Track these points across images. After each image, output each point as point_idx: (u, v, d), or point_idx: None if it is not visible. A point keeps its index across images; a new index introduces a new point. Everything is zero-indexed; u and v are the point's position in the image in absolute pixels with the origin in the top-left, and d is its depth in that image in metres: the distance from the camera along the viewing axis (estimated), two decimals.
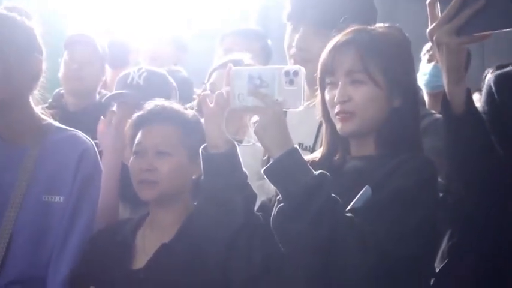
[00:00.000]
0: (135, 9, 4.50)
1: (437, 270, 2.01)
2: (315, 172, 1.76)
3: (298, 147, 1.78)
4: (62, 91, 3.67)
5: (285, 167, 1.75)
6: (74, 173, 2.17)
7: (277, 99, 1.77)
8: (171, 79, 2.80)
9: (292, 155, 1.76)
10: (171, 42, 4.13)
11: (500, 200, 1.78)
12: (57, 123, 2.27)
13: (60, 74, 3.59)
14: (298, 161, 1.76)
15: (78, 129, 2.35)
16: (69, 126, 2.31)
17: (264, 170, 1.78)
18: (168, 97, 2.46)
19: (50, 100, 3.62)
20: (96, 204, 2.24)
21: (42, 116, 2.26)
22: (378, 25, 2.01)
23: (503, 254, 1.86)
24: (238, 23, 4.33)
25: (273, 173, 1.76)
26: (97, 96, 3.56)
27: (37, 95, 2.24)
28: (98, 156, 2.27)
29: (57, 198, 2.16)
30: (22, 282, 2.13)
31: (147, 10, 4.41)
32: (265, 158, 1.80)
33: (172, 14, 4.62)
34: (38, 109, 2.26)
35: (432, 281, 1.96)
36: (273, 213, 1.78)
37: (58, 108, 3.49)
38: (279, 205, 1.76)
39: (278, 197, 1.78)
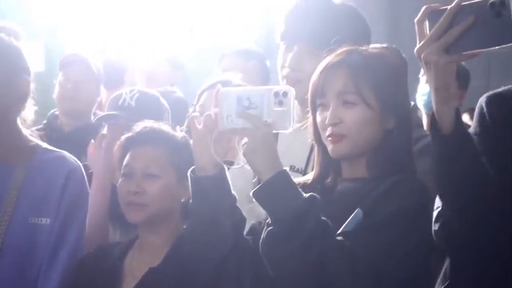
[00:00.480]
0: (130, 28, 4.49)
1: None
2: (304, 195, 1.73)
3: (288, 170, 1.76)
4: (56, 112, 3.64)
5: (274, 190, 1.73)
6: (60, 194, 2.14)
7: (266, 121, 1.75)
8: (163, 101, 2.78)
9: (282, 177, 1.73)
10: (167, 61, 4.12)
11: (495, 221, 1.74)
12: (44, 144, 2.25)
13: (54, 95, 3.57)
14: (287, 184, 1.74)
15: (73, 151, 2.33)
16: (64, 148, 2.30)
17: (253, 192, 1.75)
18: (160, 119, 2.44)
19: (44, 121, 3.61)
20: (84, 225, 2.21)
21: (30, 137, 2.24)
22: (373, 46, 1.99)
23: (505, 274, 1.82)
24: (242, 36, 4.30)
25: (262, 195, 1.74)
26: (92, 117, 3.53)
27: (31, 115, 2.23)
28: (85, 177, 2.24)
29: (44, 220, 2.14)
30: None
31: (143, 29, 4.40)
32: (254, 180, 1.79)
33: (171, 29, 4.61)
34: (27, 130, 2.24)
35: None
36: (262, 237, 1.75)
37: (53, 129, 3.48)
38: (268, 229, 1.73)
39: (267, 221, 1.75)
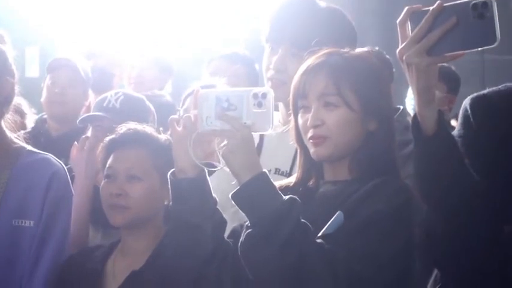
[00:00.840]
0: (119, 33, 4.49)
1: None
2: (284, 197, 1.72)
3: (273, 173, 1.74)
4: (44, 116, 3.64)
5: (253, 192, 1.71)
6: (43, 196, 2.13)
7: (245, 123, 1.73)
8: (148, 103, 2.78)
9: (261, 179, 1.72)
10: (155, 65, 4.10)
11: (479, 223, 1.72)
12: (29, 147, 2.24)
13: (42, 99, 3.56)
14: (266, 186, 1.72)
15: (60, 155, 2.32)
16: (52, 152, 2.28)
17: (232, 195, 1.74)
18: (145, 121, 2.44)
19: (32, 125, 3.59)
20: (68, 227, 2.20)
21: (15, 140, 2.22)
22: (360, 49, 1.98)
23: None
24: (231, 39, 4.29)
25: (241, 198, 1.73)
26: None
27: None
28: (69, 179, 2.22)
29: (27, 223, 2.12)
30: None
31: (132, 34, 4.39)
32: (234, 182, 1.78)
33: (163, 33, 4.60)
34: (12, 133, 2.22)
35: None
36: (240, 240, 1.74)
37: (40, 133, 3.47)
38: (247, 231, 1.72)
39: (246, 223, 1.74)
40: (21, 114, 3.39)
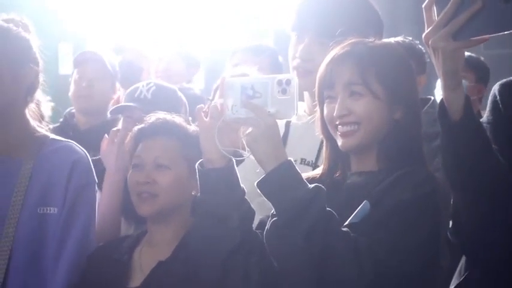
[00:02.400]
0: (147, 28, 4.51)
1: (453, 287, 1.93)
2: (309, 185, 1.71)
3: (299, 163, 1.74)
4: (72, 110, 3.66)
5: (278, 180, 1.71)
6: (66, 183, 2.14)
7: (269, 111, 1.74)
8: (181, 94, 2.77)
9: (286, 168, 1.72)
10: (182, 60, 4.11)
11: (506, 209, 1.70)
12: (52, 135, 2.25)
13: (70, 93, 3.58)
14: (291, 174, 1.72)
15: (89, 149, 2.32)
16: (81, 145, 2.29)
17: (257, 183, 1.74)
18: (176, 112, 2.42)
19: (61, 119, 3.62)
20: (92, 214, 2.20)
21: (38, 129, 2.23)
22: (388, 39, 1.97)
23: None
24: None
25: (266, 186, 1.72)
26: (108, 115, 3.53)
27: (48, 112, 2.23)
28: (92, 167, 2.22)
29: (51, 210, 2.13)
30: None
31: (159, 29, 4.41)
32: (258, 170, 1.78)
33: (186, 29, 4.61)
34: (34, 121, 2.23)
35: None
36: (266, 228, 1.74)
37: (69, 127, 3.50)
38: (273, 219, 1.72)
39: (272, 211, 1.74)
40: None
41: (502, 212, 1.70)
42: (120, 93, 3.74)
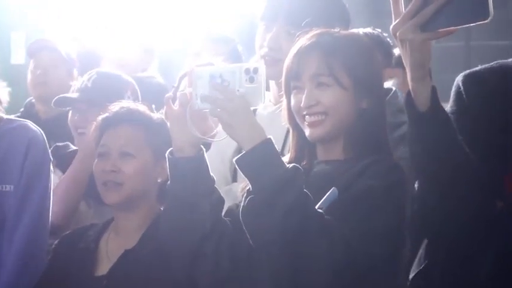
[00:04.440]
0: (108, 17, 4.46)
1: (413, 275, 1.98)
2: (288, 165, 1.74)
3: (272, 139, 1.76)
4: (33, 100, 3.63)
5: (256, 159, 1.72)
6: (22, 161, 2.14)
7: (238, 90, 1.76)
8: (129, 80, 2.76)
9: (265, 146, 1.74)
10: (138, 47, 4.08)
11: (471, 198, 1.75)
12: (7, 116, 2.23)
13: (28, 83, 3.55)
14: (271, 153, 1.74)
15: (51, 138, 2.31)
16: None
17: (236, 159, 1.75)
18: (119, 97, 2.44)
19: (22, 109, 3.58)
20: (47, 192, 2.20)
21: None
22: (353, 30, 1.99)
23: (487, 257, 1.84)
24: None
25: (245, 164, 1.73)
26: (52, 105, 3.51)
27: (5, 97, 2.21)
28: (47, 145, 2.22)
29: (7, 187, 2.12)
30: None
31: (122, 18, 4.37)
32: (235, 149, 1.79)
33: (154, 20, 4.57)
34: None
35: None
36: (242, 205, 1.75)
37: (30, 116, 3.45)
38: (250, 196, 1.73)
39: (248, 188, 1.75)
40: None
41: (466, 201, 1.75)
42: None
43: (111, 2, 4.64)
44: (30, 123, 2.23)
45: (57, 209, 2.40)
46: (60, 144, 2.74)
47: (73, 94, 2.73)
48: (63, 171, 2.61)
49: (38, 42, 3.65)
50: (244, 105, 1.75)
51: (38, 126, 2.31)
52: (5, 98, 3.56)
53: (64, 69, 3.56)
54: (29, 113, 3.50)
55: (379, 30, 3.02)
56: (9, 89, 3.58)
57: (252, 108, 2.06)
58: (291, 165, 1.74)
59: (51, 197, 2.32)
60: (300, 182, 1.72)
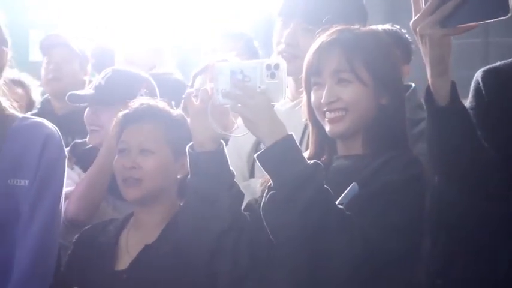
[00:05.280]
0: (119, 15, 4.48)
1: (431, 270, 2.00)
2: (308, 161, 1.75)
3: (293, 135, 1.77)
4: (49, 97, 3.65)
5: (278, 154, 1.74)
6: (38, 157, 2.15)
7: (259, 87, 1.77)
8: (146, 76, 2.77)
9: (286, 143, 1.75)
10: (146, 45, 4.09)
11: (494, 194, 1.76)
12: (22, 114, 2.26)
13: (41, 80, 3.58)
14: (291, 149, 1.75)
15: (68, 134, 2.32)
16: (60, 131, 2.30)
17: (257, 155, 1.76)
18: (132, 95, 2.47)
19: (38, 106, 3.60)
20: (61, 189, 2.21)
21: (8, 107, 2.24)
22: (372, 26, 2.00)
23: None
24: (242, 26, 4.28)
25: (266, 160, 1.75)
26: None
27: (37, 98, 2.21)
28: (62, 142, 2.24)
29: (22, 182, 2.14)
30: None
31: (132, 15, 4.38)
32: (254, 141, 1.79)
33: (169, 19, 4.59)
34: (5, 101, 2.24)
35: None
36: (263, 200, 1.76)
37: (46, 113, 3.48)
38: (270, 192, 1.74)
39: (269, 184, 1.76)
40: (22, 85, 3.41)
41: (484, 196, 1.75)
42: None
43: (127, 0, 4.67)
44: (45, 121, 2.26)
45: (79, 205, 2.42)
46: (79, 141, 2.76)
47: (86, 91, 2.75)
48: (83, 168, 2.63)
49: (50, 39, 3.67)
50: (265, 101, 1.76)
51: (55, 122, 2.33)
52: (38, 98, 3.61)
53: (77, 64, 3.59)
54: (45, 109, 3.52)
55: (398, 27, 3.02)
56: (41, 88, 3.62)
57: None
58: (312, 161, 1.75)
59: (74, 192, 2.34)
60: (321, 178, 1.73)
